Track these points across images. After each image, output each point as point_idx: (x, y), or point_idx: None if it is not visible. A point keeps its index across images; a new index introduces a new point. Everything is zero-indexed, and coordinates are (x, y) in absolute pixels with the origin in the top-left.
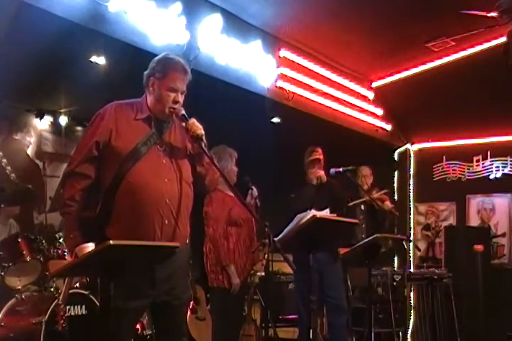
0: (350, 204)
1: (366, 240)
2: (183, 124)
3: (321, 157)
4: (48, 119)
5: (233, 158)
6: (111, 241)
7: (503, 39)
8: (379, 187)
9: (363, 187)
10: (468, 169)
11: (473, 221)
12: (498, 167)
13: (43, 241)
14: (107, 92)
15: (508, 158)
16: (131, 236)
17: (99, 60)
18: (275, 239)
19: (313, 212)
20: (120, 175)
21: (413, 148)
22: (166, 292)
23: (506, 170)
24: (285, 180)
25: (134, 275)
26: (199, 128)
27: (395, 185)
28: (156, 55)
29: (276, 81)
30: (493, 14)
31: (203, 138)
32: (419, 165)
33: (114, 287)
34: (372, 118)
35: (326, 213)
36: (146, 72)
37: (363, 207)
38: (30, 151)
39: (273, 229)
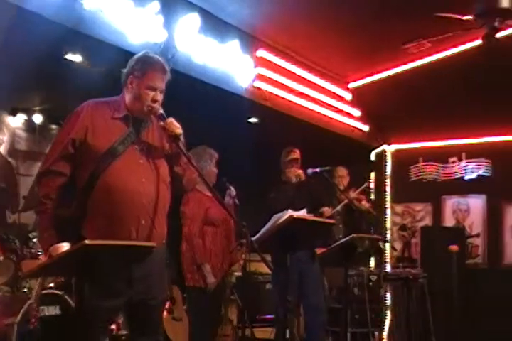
0: (333, 211)
1: (343, 240)
2: (161, 123)
3: (299, 157)
4: (21, 117)
5: (213, 159)
6: (86, 241)
7: (478, 42)
8: (355, 188)
9: (339, 187)
10: (444, 170)
11: (449, 221)
12: (473, 168)
13: (16, 241)
14: (83, 90)
15: (483, 160)
16: (107, 235)
17: (75, 57)
18: (253, 238)
19: (290, 212)
20: (96, 174)
21: (390, 148)
22: (143, 291)
23: (481, 172)
24: (263, 180)
25: (109, 275)
26: (177, 128)
27: (372, 185)
28: (133, 54)
29: (253, 81)
30: (468, 17)
31: (181, 137)
32: (396, 166)
33: (88, 286)
34: (349, 118)
35: (303, 213)
36: (124, 71)
37: (339, 207)
38: (2, 149)
39: (252, 229)
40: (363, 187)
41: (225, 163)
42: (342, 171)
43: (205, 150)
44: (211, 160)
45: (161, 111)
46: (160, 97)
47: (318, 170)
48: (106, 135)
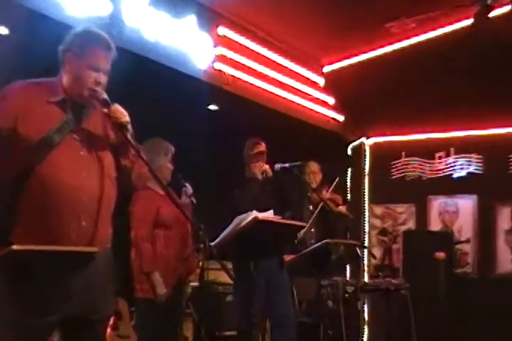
0: (313, 215)
1: (315, 246)
2: (105, 110)
3: (265, 150)
4: None
5: (168, 153)
6: (14, 246)
7: (467, 22)
8: (328, 185)
9: (311, 185)
10: (430, 167)
11: (435, 225)
12: (462, 165)
13: None
14: (12, 69)
15: (474, 155)
16: (41, 239)
17: (2, 30)
18: (211, 243)
19: (254, 213)
20: (28, 167)
21: (368, 142)
22: (83, 305)
23: (471, 169)
24: (225, 176)
25: (42, 287)
26: (123, 115)
27: (348, 183)
28: (72, 28)
29: (213, 62)
30: None
31: (128, 126)
32: (375, 162)
33: (17, 300)
34: (323, 107)
35: (269, 214)
36: (61, 47)
37: (311, 207)
38: None
39: (212, 232)
40: (334, 183)
41: (181, 157)
42: (314, 167)
43: (160, 143)
44: (166, 154)
45: (105, 95)
46: (104, 79)
47: (287, 165)
48: (40, 122)
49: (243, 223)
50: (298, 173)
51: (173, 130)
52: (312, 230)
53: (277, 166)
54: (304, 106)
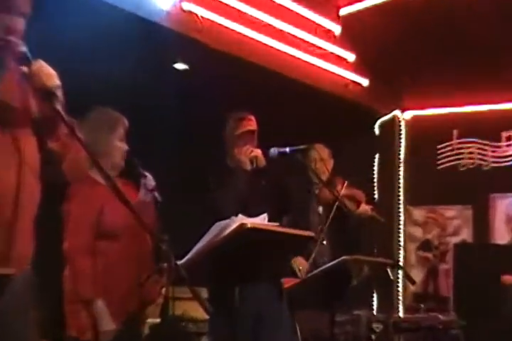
0: (321, 226)
1: (327, 265)
2: (24, 70)
3: (256, 128)
4: None
5: (119, 128)
6: None
7: None
8: (342, 178)
9: (320, 176)
10: (494, 152)
11: (500, 235)
12: None
13: None
14: None
15: None
16: None
17: None
18: (179, 262)
19: (240, 219)
20: None
21: (405, 116)
22: None
23: None
24: (198, 165)
25: None
26: (50, 76)
27: (375, 176)
28: None
29: (180, 1)
30: None
31: (58, 92)
32: (415, 145)
33: None
34: (339, 66)
35: (261, 220)
36: None
37: (321, 209)
38: None
39: (181, 245)
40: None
41: (138, 135)
42: (324, 152)
43: (106, 116)
44: (114, 129)
45: (24, 48)
46: (20, 25)
47: (287, 149)
48: None
49: (224, 233)
50: (302, 161)
51: (127, 98)
52: (324, 242)
53: (273, 151)
54: (312, 65)
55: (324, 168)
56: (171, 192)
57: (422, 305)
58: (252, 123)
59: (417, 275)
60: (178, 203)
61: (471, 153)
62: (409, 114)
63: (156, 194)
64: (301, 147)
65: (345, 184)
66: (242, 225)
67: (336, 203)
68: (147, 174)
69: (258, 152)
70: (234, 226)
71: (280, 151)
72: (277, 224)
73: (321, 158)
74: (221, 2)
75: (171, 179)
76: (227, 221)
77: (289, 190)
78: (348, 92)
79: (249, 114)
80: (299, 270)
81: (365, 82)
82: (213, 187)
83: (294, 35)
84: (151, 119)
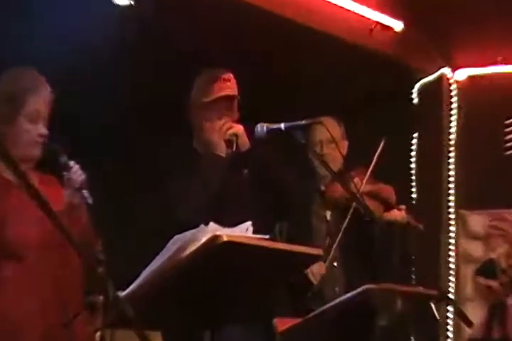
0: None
1: (342, 299)
2: None
3: (236, 93)
4: None
5: (30, 102)
6: None
7: None
8: (362, 168)
9: (330, 166)
10: None
11: None
12: None
13: None
14: None
15: None
16: None
17: None
18: (122, 293)
19: (212, 230)
20: None
21: (458, 76)
22: None
23: None
24: (152, 149)
25: None
26: None
27: (413, 166)
28: None
29: None
30: None
31: None
32: (472, 120)
33: None
34: (361, 3)
35: (244, 231)
36: None
37: (329, 215)
38: None
39: (123, 267)
40: (378, 152)
41: (62, 109)
42: (334, 129)
43: (23, 75)
44: (22, 105)
45: None
46: None
47: (281, 126)
48: None
49: (188, 250)
50: (302, 143)
51: (47, 52)
52: (335, 264)
53: (261, 128)
54: (325, 1)
55: (336, 154)
56: (111, 191)
57: None
58: (230, 86)
59: (476, 312)
60: (120, 207)
61: None
62: (463, 74)
63: (86, 193)
64: (302, 122)
65: (367, 176)
66: (214, 238)
67: (353, 205)
68: (73, 165)
69: (239, 128)
70: (202, 240)
71: (271, 128)
72: (266, 236)
73: (331, 139)
74: None
75: (110, 172)
76: (191, 232)
77: (283, 185)
78: (372, 41)
79: (225, 71)
80: (312, 273)
81: (398, 26)
82: (171, 183)
83: None
84: (83, 83)
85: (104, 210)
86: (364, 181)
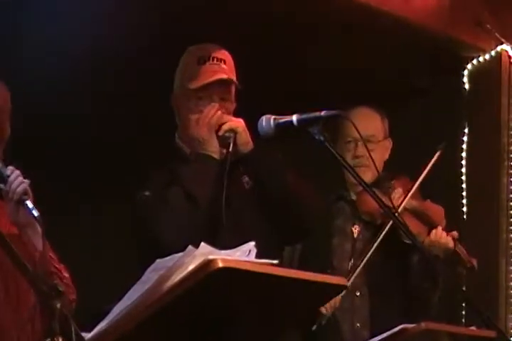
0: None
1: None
2: None
3: (232, 76)
4: None
5: None
6: None
7: None
8: (402, 175)
9: (356, 173)
10: None
11: None
12: None
13: None
14: None
15: None
16: None
17: None
18: (87, 335)
19: (204, 252)
20: None
21: None
22: None
23: None
24: (122, 149)
25: None
26: None
27: (463, 170)
28: None
29: None
30: None
31: None
32: None
33: None
34: None
35: (245, 255)
36: None
37: (355, 231)
38: None
39: (88, 301)
40: (432, 163)
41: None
42: (372, 122)
43: None
44: None
45: None
46: None
47: (293, 119)
48: None
49: (174, 279)
50: (324, 142)
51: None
52: (357, 293)
53: (267, 122)
54: None
55: (374, 157)
56: (68, 203)
57: None
58: (224, 68)
59: None
60: (83, 223)
61: None
62: None
63: (29, 204)
64: (321, 114)
65: (414, 189)
66: (207, 264)
67: (389, 223)
68: (10, 173)
69: (237, 123)
70: (191, 266)
71: (280, 122)
72: (275, 261)
73: (366, 137)
74: None
75: (66, 178)
76: (176, 257)
77: (300, 203)
78: (412, 12)
79: (218, 48)
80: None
81: None
82: (146, 192)
83: None
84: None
85: (60, 226)
86: (409, 195)
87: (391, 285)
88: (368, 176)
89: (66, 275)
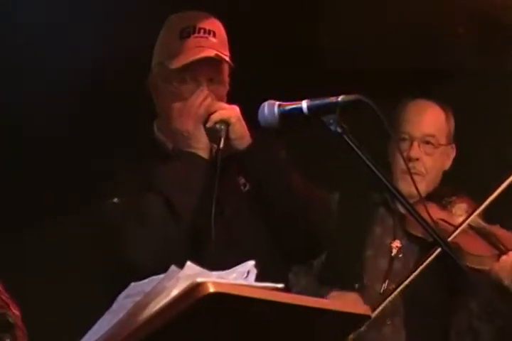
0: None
1: None
2: None
3: (223, 53)
4: None
5: None
6: None
7: None
8: (463, 195)
9: (414, 180)
10: None
11: None
12: None
13: None
14: None
15: None
16: None
17: None
18: None
19: (191, 272)
20: None
21: None
22: None
23: None
24: (87, 150)
25: None
26: None
27: None
28: None
29: None
30: None
31: None
32: None
33: None
34: None
35: (242, 277)
36: None
37: (395, 248)
38: None
39: (44, 331)
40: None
41: None
42: (432, 118)
43: None
44: None
45: None
46: None
47: (303, 105)
48: None
49: (154, 307)
50: (339, 132)
51: None
52: (388, 321)
53: (269, 110)
54: None
55: (430, 164)
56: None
57: None
58: (213, 41)
59: None
60: (38, 238)
61: None
62: None
63: None
64: (339, 99)
65: (483, 206)
66: (194, 288)
67: (444, 245)
68: None
69: (230, 111)
70: (175, 290)
71: (286, 110)
72: (279, 285)
73: (423, 136)
74: None
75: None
76: (156, 279)
77: (305, 205)
78: None
79: (206, 16)
80: None
81: None
82: (116, 198)
83: None
84: None
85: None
86: (477, 211)
87: (434, 319)
88: (421, 187)
89: (16, 312)
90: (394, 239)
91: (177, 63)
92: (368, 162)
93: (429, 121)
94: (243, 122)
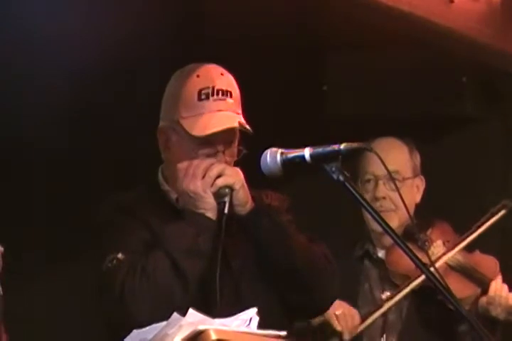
0: None
1: None
2: None
3: (240, 112)
4: None
5: None
6: None
7: None
8: (444, 223)
9: (382, 218)
10: None
11: None
12: None
13: None
14: None
15: None
16: None
17: None
18: None
19: (193, 320)
20: None
21: None
22: None
23: None
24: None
25: None
26: None
27: None
28: None
29: None
30: None
31: None
32: None
33: None
34: None
35: (244, 325)
36: None
37: (385, 295)
38: None
39: None
40: (492, 222)
41: None
42: (400, 157)
43: None
44: None
45: None
46: None
47: (306, 153)
48: None
49: None
50: (341, 181)
51: None
52: None
53: (272, 158)
54: None
55: (400, 200)
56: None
57: None
58: (230, 104)
59: None
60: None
61: None
62: None
63: None
64: (339, 147)
65: (463, 244)
66: (198, 335)
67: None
68: None
69: (234, 175)
70: (178, 337)
71: (289, 158)
72: (282, 333)
73: (395, 175)
74: None
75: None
76: (159, 326)
77: (307, 272)
78: (452, 20)
79: (221, 72)
80: (340, 330)
81: None
82: (121, 253)
83: None
84: None
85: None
86: (455, 250)
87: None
88: (394, 223)
89: None
90: (383, 291)
91: (199, 131)
92: (368, 208)
93: (390, 157)
94: (246, 188)
